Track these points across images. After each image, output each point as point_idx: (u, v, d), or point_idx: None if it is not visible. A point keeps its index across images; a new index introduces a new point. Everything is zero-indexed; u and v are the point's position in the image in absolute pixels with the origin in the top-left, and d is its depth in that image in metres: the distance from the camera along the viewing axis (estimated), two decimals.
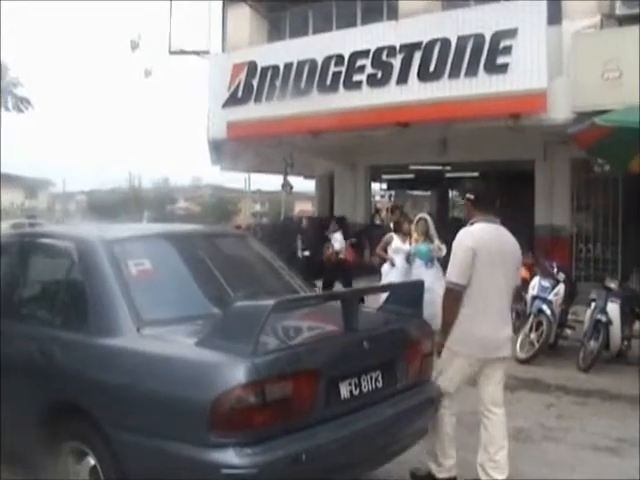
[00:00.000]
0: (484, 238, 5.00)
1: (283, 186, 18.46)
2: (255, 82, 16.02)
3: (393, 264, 11.24)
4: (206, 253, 5.15)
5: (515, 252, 5.17)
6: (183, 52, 17.87)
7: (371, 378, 4.27)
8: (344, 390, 4.07)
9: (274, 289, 5.18)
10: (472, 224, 5.13)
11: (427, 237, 11.16)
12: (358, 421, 4.07)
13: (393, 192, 28.16)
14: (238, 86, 16.31)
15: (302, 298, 4.85)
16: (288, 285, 5.37)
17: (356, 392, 4.14)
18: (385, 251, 11.43)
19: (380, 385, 4.33)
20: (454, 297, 5.00)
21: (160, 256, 4.81)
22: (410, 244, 11.14)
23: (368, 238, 16.91)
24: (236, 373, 3.54)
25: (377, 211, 25.09)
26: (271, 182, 19.31)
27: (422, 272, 10.85)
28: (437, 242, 11.19)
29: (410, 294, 5.04)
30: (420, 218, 11.44)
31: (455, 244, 5.08)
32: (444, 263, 11.53)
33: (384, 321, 4.91)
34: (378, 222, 22.60)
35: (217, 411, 3.49)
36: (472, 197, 5.25)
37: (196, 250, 5.12)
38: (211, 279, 4.83)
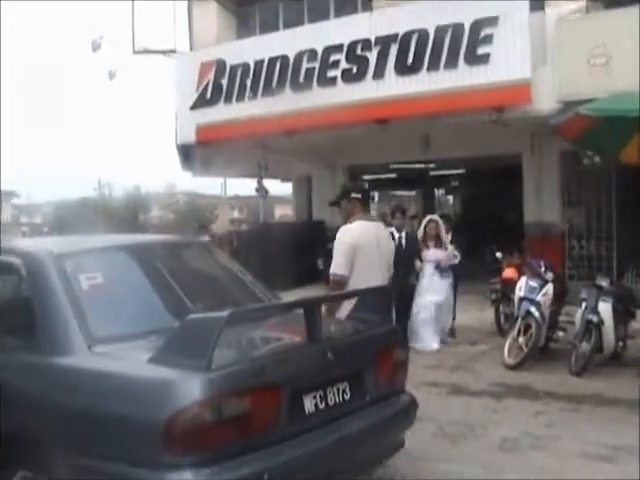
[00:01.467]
0: (364, 234, 5.91)
1: (257, 190, 18.47)
2: (224, 81, 16.08)
3: None
4: (164, 264, 5.15)
5: (389, 244, 6.28)
6: (148, 51, 17.90)
7: (338, 390, 4.30)
8: (308, 404, 4.09)
9: (237, 300, 5.19)
10: (351, 222, 6.01)
11: (438, 242, 11.01)
12: (325, 436, 4.08)
13: (375, 193, 28.20)
14: (207, 86, 16.37)
15: (260, 308, 4.87)
16: (252, 295, 5.38)
17: (322, 406, 4.16)
18: None
19: (348, 397, 4.35)
20: (339, 287, 5.76)
21: (114, 269, 4.83)
22: (418, 251, 10.84)
23: None
24: (190, 390, 3.56)
25: None
26: (249, 187, 19.33)
27: (434, 282, 10.93)
28: (450, 248, 11.12)
29: (379, 300, 5.06)
30: (430, 220, 11.23)
31: (337, 241, 5.91)
32: (459, 272, 11.54)
33: (351, 329, 4.93)
34: None
35: (172, 431, 3.51)
36: (359, 196, 6.21)
37: (154, 261, 5.12)
38: (169, 291, 4.84)
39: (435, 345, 10.81)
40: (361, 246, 5.84)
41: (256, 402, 3.74)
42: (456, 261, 11.23)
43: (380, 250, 6.03)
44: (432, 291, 10.90)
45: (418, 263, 10.78)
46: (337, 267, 5.82)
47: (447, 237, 11.17)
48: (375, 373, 4.61)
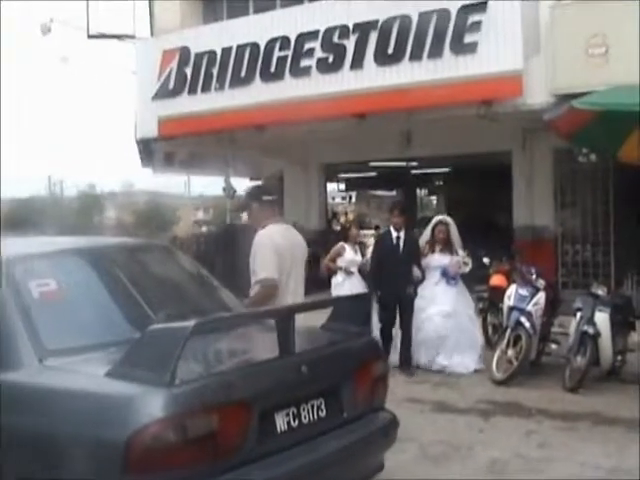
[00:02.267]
0: (279, 238, 6.14)
1: (224, 190, 18.46)
2: (189, 70, 16.03)
3: (349, 272, 11.15)
4: (123, 270, 5.12)
5: (303, 246, 6.43)
6: (103, 36, 17.80)
7: (312, 407, 4.32)
8: (280, 422, 4.11)
9: (203, 308, 5.17)
10: (264, 227, 6.22)
11: (446, 247, 10.62)
12: (298, 457, 4.09)
13: (353, 193, 28.33)
14: (169, 75, 16.30)
15: (228, 317, 4.87)
16: (219, 303, 5.39)
17: (295, 424, 4.18)
18: (334, 262, 11.33)
19: (323, 415, 4.38)
20: (270, 291, 5.91)
21: (69, 275, 4.79)
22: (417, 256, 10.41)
23: (324, 247, 16.96)
24: (151, 407, 3.56)
25: (334, 215, 25.20)
26: (215, 186, 19.30)
27: (441, 291, 10.54)
28: (461, 253, 10.71)
29: (357, 309, 5.09)
30: (439, 222, 10.88)
31: (259, 245, 6.07)
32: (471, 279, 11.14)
33: (327, 341, 4.95)
34: (337, 228, 22.72)
35: (132, 452, 3.50)
36: (270, 199, 6.51)
37: (112, 267, 5.10)
38: (129, 299, 4.81)
39: (453, 368, 10.23)
40: (280, 252, 6.06)
41: (224, 420, 3.74)
42: (467, 269, 10.72)
43: (293, 258, 6.22)
44: (437, 301, 10.46)
45: (416, 271, 10.23)
46: (266, 271, 5.94)
47: (459, 242, 10.77)
48: (353, 389, 4.63)
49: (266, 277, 5.92)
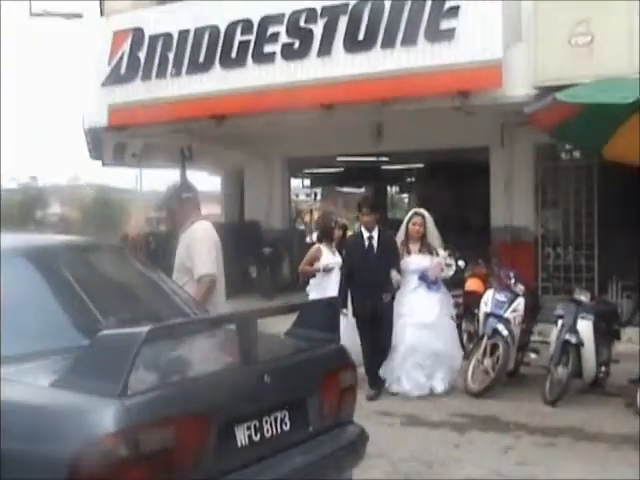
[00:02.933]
0: (210, 233, 6.82)
1: (181, 185, 18.38)
2: (142, 55, 15.95)
3: (328, 269, 10.73)
4: (70, 270, 5.06)
5: (219, 242, 6.94)
6: (48, 14, 17.66)
7: (276, 420, 4.31)
8: (241, 436, 4.09)
9: (157, 313, 5.16)
10: (193, 222, 6.79)
11: (424, 246, 10.00)
12: (260, 474, 4.09)
13: (319, 190, 28.35)
14: (121, 59, 16.21)
15: (185, 323, 4.83)
16: (175, 307, 5.36)
17: (257, 438, 4.17)
18: (311, 266, 10.98)
19: (287, 428, 4.37)
20: (211, 287, 6.59)
21: (10, 276, 4.72)
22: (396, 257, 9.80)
23: (287, 247, 17.02)
24: (101, 420, 3.51)
25: (299, 214, 25.23)
26: (170, 180, 19.13)
27: (421, 298, 9.89)
28: (443, 254, 10.11)
29: (324, 314, 5.08)
30: (415, 214, 10.24)
31: (197, 240, 6.65)
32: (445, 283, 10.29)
33: (291, 349, 4.95)
34: (302, 227, 22.76)
35: (78, 470, 3.44)
36: (190, 195, 7.00)
37: (57, 267, 5.04)
38: (76, 303, 4.75)
39: (434, 387, 9.78)
40: (217, 247, 6.85)
41: (180, 434, 3.71)
42: (450, 273, 10.15)
43: (219, 254, 6.90)
44: (416, 310, 9.81)
45: (395, 275, 9.58)
46: (206, 267, 6.58)
47: (438, 240, 10.16)
48: (319, 400, 4.64)
49: (207, 272, 6.55)
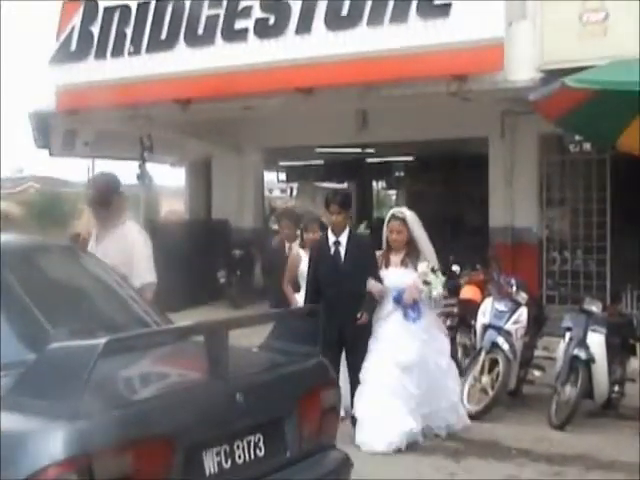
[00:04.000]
0: (145, 234, 7.03)
1: (139, 177, 18.35)
2: (96, 29, 15.86)
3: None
4: (16, 275, 5.04)
5: None
6: None
7: (249, 445, 4.32)
8: (210, 463, 4.09)
9: (114, 323, 5.16)
10: (124, 222, 7.01)
11: (408, 256, 8.95)
12: None
13: (295, 185, 28.34)
14: (71, 35, 16.12)
15: (146, 334, 4.82)
16: (135, 316, 5.38)
17: (227, 465, 4.17)
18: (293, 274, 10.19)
19: (262, 454, 4.38)
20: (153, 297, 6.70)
21: None
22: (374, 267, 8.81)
23: (260, 249, 16.95)
24: (50, 445, 3.50)
25: (273, 211, 25.21)
26: (127, 172, 19.00)
27: (396, 328, 8.75)
28: (421, 268, 8.86)
29: (303, 324, 5.08)
30: (392, 216, 9.17)
31: (133, 243, 6.83)
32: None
33: (267, 364, 4.96)
34: (275, 226, 22.73)
35: None
36: (121, 191, 7.23)
37: (1, 271, 5.03)
38: (23, 311, 4.74)
39: (397, 442, 8.34)
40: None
41: (140, 461, 3.71)
42: (434, 293, 8.77)
43: None
44: (390, 345, 8.70)
45: (375, 285, 8.62)
46: (152, 274, 6.86)
47: (429, 247, 9.13)
48: (298, 422, 4.65)
49: (152, 281, 6.81)
